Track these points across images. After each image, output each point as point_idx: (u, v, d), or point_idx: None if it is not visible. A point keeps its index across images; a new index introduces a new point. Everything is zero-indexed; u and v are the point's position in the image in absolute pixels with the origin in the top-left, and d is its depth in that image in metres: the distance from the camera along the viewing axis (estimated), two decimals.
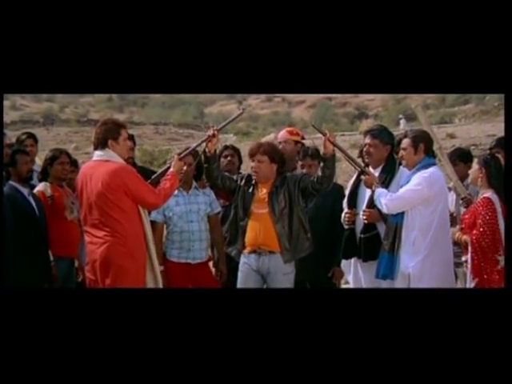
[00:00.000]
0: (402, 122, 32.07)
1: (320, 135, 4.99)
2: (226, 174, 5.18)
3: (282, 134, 5.74)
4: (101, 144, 4.56)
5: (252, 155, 4.98)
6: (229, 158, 5.80)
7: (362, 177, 4.95)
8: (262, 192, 4.96)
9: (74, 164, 5.80)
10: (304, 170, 5.38)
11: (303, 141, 5.76)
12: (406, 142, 4.80)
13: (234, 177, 5.14)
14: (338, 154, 5.04)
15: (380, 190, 4.80)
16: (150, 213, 4.90)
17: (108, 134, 4.55)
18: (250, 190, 4.99)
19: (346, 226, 5.10)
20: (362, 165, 5.06)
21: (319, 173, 4.91)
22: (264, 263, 4.84)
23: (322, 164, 4.90)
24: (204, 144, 4.98)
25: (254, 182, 5.02)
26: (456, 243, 4.91)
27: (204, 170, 5.09)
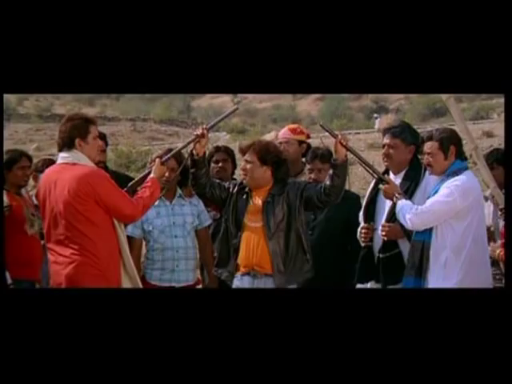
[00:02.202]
0: (378, 121, 32.47)
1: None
2: (217, 181, 5.13)
3: (284, 132, 5.75)
4: (66, 144, 4.56)
5: (243, 154, 4.97)
6: (220, 164, 5.76)
7: (381, 186, 4.93)
8: (257, 202, 4.93)
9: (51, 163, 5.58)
10: (312, 176, 5.39)
11: (309, 140, 5.76)
12: (432, 146, 4.75)
13: (226, 184, 5.09)
14: (352, 157, 5.03)
15: (403, 202, 4.77)
16: (125, 226, 4.91)
17: (75, 132, 4.54)
18: (243, 198, 4.96)
19: (362, 244, 5.11)
20: (380, 171, 5.06)
21: (327, 182, 4.87)
22: (259, 287, 4.82)
23: (331, 171, 4.87)
24: (191, 145, 4.95)
25: (247, 189, 4.98)
26: (495, 263, 4.91)
27: (190, 176, 5.04)
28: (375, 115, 36.65)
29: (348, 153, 4.88)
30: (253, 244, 4.84)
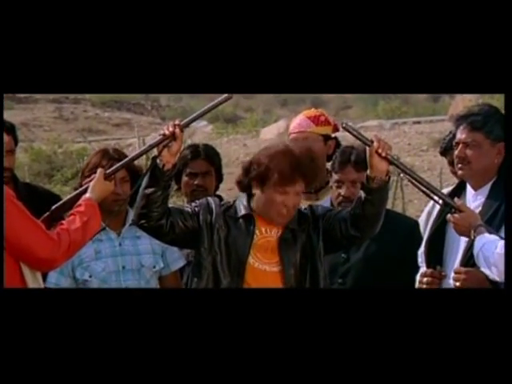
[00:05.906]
0: None
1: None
2: (175, 207, 4.97)
3: (299, 122, 5.85)
4: None
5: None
6: (197, 182, 5.83)
7: (449, 216, 4.93)
8: (269, 234, 4.91)
9: None
10: (342, 192, 5.41)
11: (336, 134, 5.78)
12: None
13: (187, 207, 4.95)
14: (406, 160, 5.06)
15: (485, 238, 4.79)
16: (45, 274, 4.96)
17: None
18: (242, 225, 4.87)
19: None
20: (453, 184, 5.07)
21: (357, 209, 4.79)
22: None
23: (362, 195, 4.77)
24: (155, 150, 4.76)
25: (243, 209, 4.88)
26: None
27: (141, 200, 4.78)
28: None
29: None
30: None
